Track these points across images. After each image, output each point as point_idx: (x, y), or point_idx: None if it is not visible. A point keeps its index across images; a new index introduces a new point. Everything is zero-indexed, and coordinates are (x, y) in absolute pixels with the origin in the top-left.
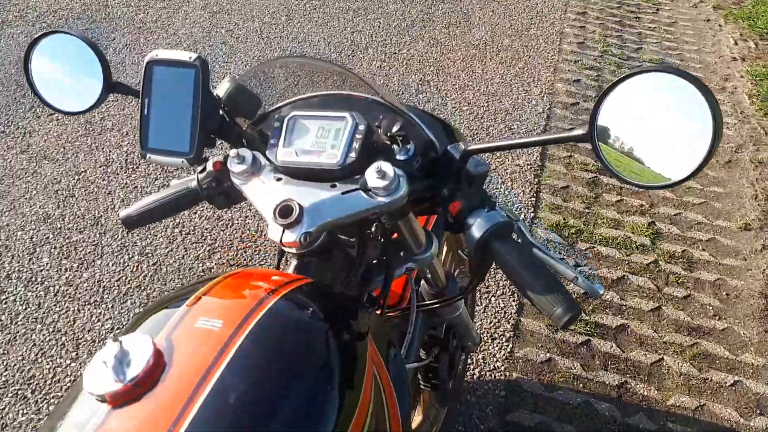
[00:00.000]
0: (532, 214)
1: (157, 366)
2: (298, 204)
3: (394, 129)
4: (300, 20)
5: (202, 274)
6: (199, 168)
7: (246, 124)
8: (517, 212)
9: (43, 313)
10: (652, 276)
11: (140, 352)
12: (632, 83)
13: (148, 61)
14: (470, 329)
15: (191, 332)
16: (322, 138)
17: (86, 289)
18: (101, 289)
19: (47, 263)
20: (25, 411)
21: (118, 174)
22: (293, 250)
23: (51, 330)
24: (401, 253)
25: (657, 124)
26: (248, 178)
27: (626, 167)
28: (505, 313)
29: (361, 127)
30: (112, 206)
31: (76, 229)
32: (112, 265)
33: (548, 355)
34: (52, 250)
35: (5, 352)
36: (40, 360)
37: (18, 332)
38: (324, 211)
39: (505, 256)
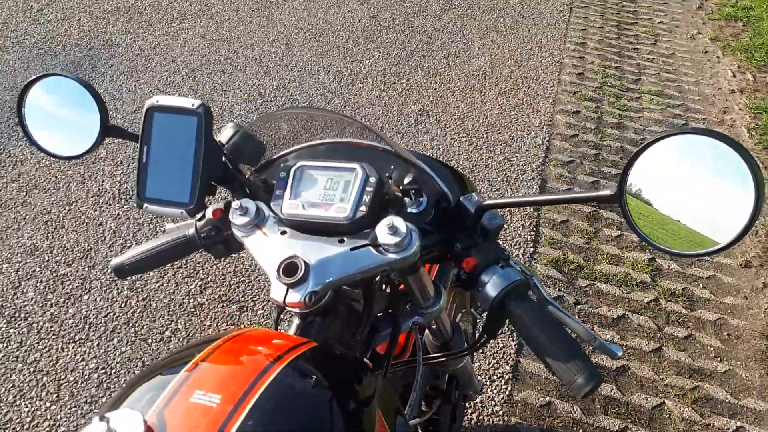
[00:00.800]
0: (532, 249)
1: None
2: (304, 261)
3: (406, 181)
4: (300, 49)
5: (192, 310)
6: (198, 215)
7: (249, 172)
8: (530, 269)
9: (25, 351)
10: (652, 315)
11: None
12: (665, 144)
13: (148, 107)
14: (473, 377)
15: (187, 408)
16: (330, 190)
17: (71, 326)
18: (87, 326)
19: (32, 298)
20: None
21: (110, 204)
22: (296, 310)
23: (32, 370)
24: (408, 306)
25: (694, 187)
26: (251, 231)
27: (657, 232)
28: (503, 353)
29: (372, 180)
30: (103, 238)
31: (64, 262)
32: (100, 300)
33: (548, 398)
34: (38, 284)
35: None
36: (18, 402)
37: None
38: (331, 269)
39: (521, 317)
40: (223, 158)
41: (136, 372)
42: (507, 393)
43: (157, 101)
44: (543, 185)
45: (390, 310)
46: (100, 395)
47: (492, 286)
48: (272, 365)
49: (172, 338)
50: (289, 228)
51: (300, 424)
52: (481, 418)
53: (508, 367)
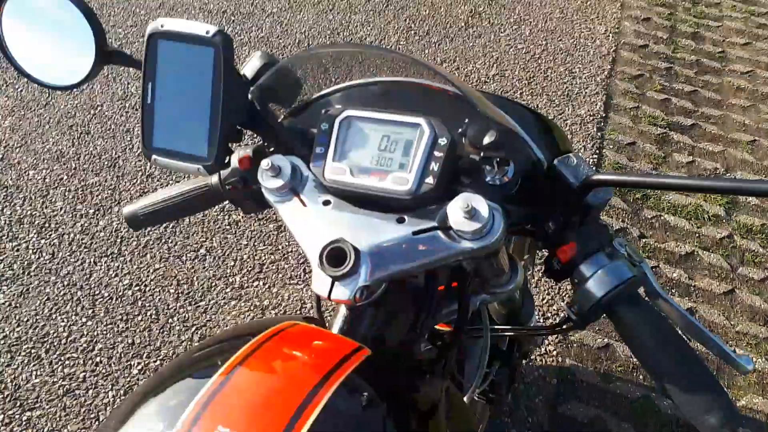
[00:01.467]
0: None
1: None
2: (353, 248)
3: (486, 140)
4: None
5: (227, 228)
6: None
7: (282, 114)
8: (638, 252)
9: (57, 264)
10: (725, 253)
11: None
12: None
13: (150, 33)
14: (532, 316)
15: None
16: (387, 152)
17: (103, 239)
18: (119, 240)
19: (61, 207)
20: (39, 372)
21: (137, 110)
22: (347, 305)
23: (65, 283)
24: (476, 279)
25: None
26: (285, 197)
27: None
28: (558, 288)
29: (443, 141)
30: (131, 146)
31: (92, 171)
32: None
33: (606, 340)
34: (67, 193)
35: (18, 305)
36: (54, 316)
37: (31, 284)
38: (388, 258)
39: (633, 327)
40: (249, 96)
41: (143, 381)
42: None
43: (162, 26)
44: (608, 101)
45: (453, 284)
46: (135, 313)
47: (596, 283)
48: (318, 389)
49: (207, 256)
50: (333, 196)
51: None
52: (533, 357)
53: (562, 304)
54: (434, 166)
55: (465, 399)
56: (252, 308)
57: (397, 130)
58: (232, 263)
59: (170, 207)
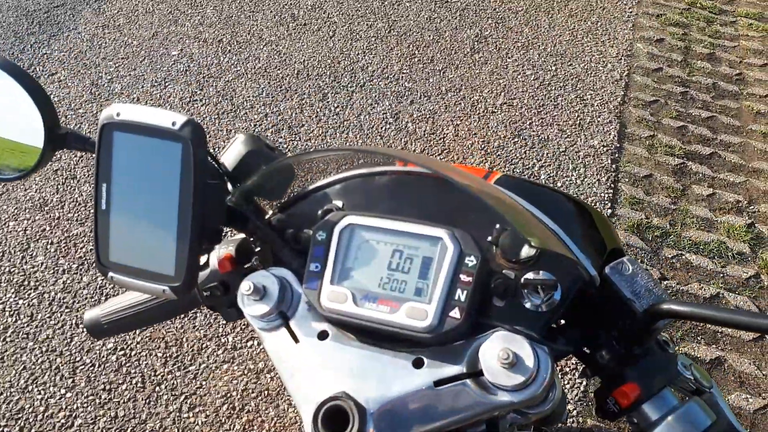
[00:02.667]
0: (610, 210)
1: None
2: (356, 407)
3: (525, 254)
4: None
5: None
6: (201, 261)
7: (270, 210)
8: (706, 375)
9: (36, 327)
10: (752, 294)
11: None
12: None
13: (103, 123)
14: (563, 417)
15: None
16: (399, 272)
17: (86, 297)
18: (104, 297)
19: (42, 262)
20: None
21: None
22: None
23: (44, 350)
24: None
25: None
26: (273, 322)
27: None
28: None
29: (471, 261)
30: None
31: (77, 221)
32: None
33: None
34: (48, 246)
35: None
36: (30, 388)
37: (6, 351)
38: (401, 419)
39: None
40: (230, 195)
41: None
42: (582, 389)
43: (118, 114)
44: (621, 130)
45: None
46: (120, 381)
47: None
48: None
49: (198, 314)
50: (332, 326)
51: None
52: None
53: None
54: (461, 295)
55: None
56: (246, 372)
57: (413, 244)
58: (224, 322)
59: (137, 315)
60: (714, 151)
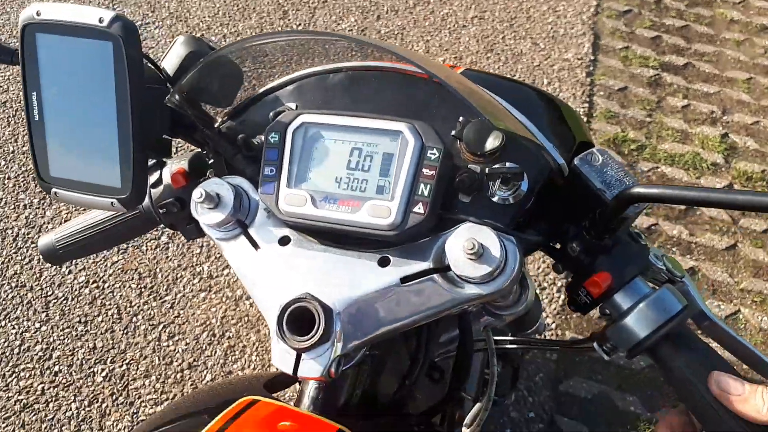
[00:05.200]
0: (586, 124)
1: None
2: (322, 307)
3: (490, 146)
4: None
5: None
6: (152, 179)
7: (219, 117)
8: (676, 262)
9: (2, 264)
10: None
11: None
12: None
13: (24, 23)
14: (539, 320)
15: None
16: (359, 171)
17: None
18: None
19: (0, 197)
20: None
21: None
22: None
23: (13, 285)
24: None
25: None
26: (231, 231)
27: None
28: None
29: (433, 153)
30: None
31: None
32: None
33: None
34: (6, 182)
35: None
36: (3, 323)
37: None
38: (370, 316)
39: (683, 373)
40: (174, 98)
41: None
42: (560, 303)
43: (38, 13)
44: (596, 42)
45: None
46: (95, 313)
47: (637, 321)
48: None
49: (169, 244)
50: (292, 231)
51: None
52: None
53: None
54: (424, 189)
55: (467, 421)
56: (224, 299)
57: (372, 140)
58: (198, 250)
59: (94, 237)
60: (688, 61)
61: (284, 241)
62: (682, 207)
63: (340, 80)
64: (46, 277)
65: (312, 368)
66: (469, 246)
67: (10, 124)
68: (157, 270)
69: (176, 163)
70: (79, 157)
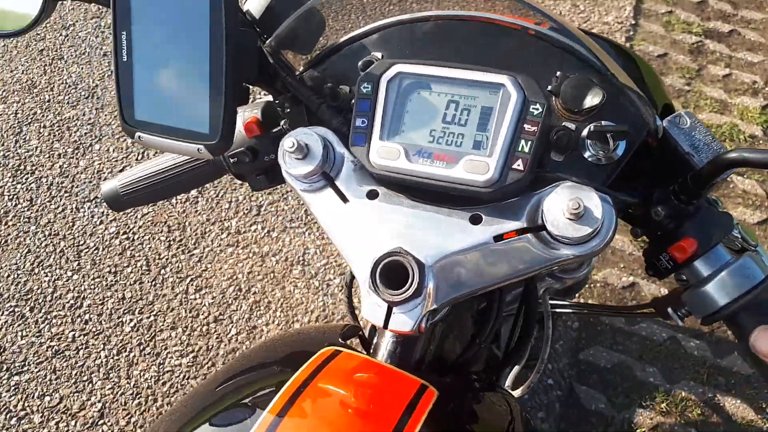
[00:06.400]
0: None
1: None
2: (415, 261)
3: (589, 103)
4: None
5: None
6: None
7: (301, 65)
8: (752, 232)
9: (36, 211)
10: (761, 178)
11: None
12: None
13: None
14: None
15: None
16: (456, 125)
17: (84, 182)
18: (102, 182)
19: (36, 146)
20: (24, 333)
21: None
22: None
23: (47, 233)
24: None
25: None
26: (316, 185)
27: None
28: None
29: (536, 109)
30: (108, 72)
31: (68, 103)
32: (113, 150)
33: (631, 278)
34: (42, 130)
35: None
36: (37, 270)
37: (9, 235)
38: (461, 272)
39: (763, 344)
40: (260, 44)
41: (175, 405)
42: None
43: None
44: (638, 6)
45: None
46: (125, 264)
47: (719, 289)
48: None
49: (199, 199)
50: (381, 186)
51: None
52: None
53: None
54: (524, 146)
55: (521, 389)
56: (251, 255)
57: (470, 93)
58: (227, 206)
59: (159, 184)
60: (734, 28)
61: (372, 195)
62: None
63: (428, 29)
64: (79, 226)
65: (404, 322)
66: (574, 206)
67: (46, 72)
68: (186, 223)
69: (249, 112)
70: (167, 100)
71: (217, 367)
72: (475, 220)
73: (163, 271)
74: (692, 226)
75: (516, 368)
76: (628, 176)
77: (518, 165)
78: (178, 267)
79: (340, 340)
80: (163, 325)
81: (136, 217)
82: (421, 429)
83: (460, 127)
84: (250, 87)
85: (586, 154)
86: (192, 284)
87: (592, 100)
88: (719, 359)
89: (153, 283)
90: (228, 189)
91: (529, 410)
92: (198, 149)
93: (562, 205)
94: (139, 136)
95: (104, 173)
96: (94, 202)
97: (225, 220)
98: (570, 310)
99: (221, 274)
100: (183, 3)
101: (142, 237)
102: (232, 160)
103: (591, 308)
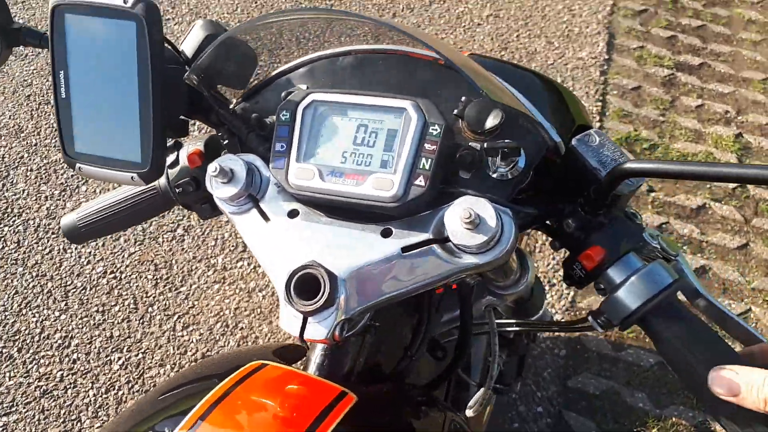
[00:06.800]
0: (598, 124)
1: None
2: (327, 273)
3: (490, 124)
4: None
5: None
6: (170, 159)
7: (234, 99)
8: (671, 241)
9: (24, 253)
10: (738, 204)
11: None
12: None
13: (54, 4)
14: (543, 314)
15: None
16: (365, 147)
17: None
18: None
19: (23, 189)
20: (12, 373)
21: None
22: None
23: (34, 275)
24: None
25: None
26: (243, 206)
27: None
28: (564, 252)
29: (435, 130)
30: None
31: (55, 147)
32: (101, 191)
33: None
34: (28, 173)
35: None
36: (24, 311)
37: None
38: (372, 283)
39: (673, 343)
40: (192, 76)
41: (115, 417)
42: (569, 299)
43: None
44: (610, 41)
45: (453, 286)
46: (112, 303)
47: (629, 294)
48: None
49: (185, 237)
50: (301, 205)
51: None
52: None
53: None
54: (425, 163)
55: (470, 403)
56: (237, 291)
57: (377, 117)
58: (213, 243)
59: (114, 216)
60: (704, 61)
61: (293, 214)
62: (693, 205)
63: (348, 62)
64: (66, 267)
65: (317, 331)
66: (465, 215)
67: (33, 117)
68: (173, 261)
69: (192, 145)
70: (102, 133)
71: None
72: (386, 234)
73: (150, 309)
74: (600, 236)
75: (481, 391)
76: (540, 192)
77: (420, 181)
78: (165, 304)
79: (272, 355)
80: (151, 362)
81: (123, 256)
82: (335, 429)
83: (368, 148)
84: (190, 121)
85: (491, 172)
86: (179, 321)
87: (492, 120)
88: None
89: (141, 320)
90: (214, 227)
91: None
92: (132, 177)
93: (459, 215)
94: (80, 168)
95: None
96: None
97: (211, 257)
98: (516, 328)
99: (208, 311)
100: (114, 42)
101: (129, 276)
102: (177, 190)
103: (533, 325)
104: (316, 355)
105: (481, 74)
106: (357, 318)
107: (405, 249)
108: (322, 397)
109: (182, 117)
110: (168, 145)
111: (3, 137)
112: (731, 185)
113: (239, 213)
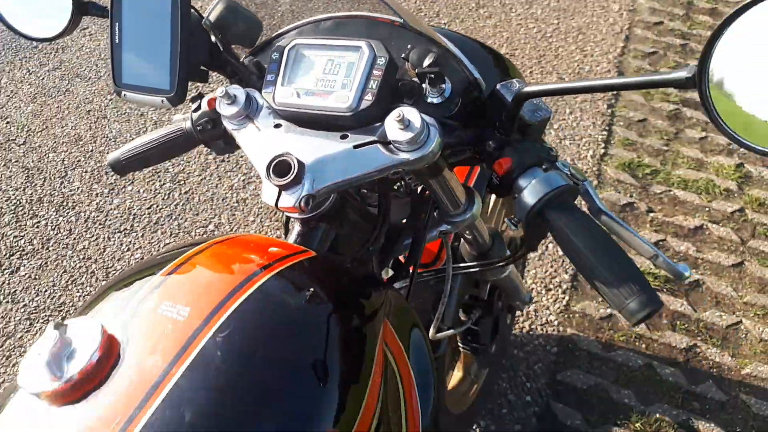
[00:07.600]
0: (603, 150)
1: (107, 360)
2: (297, 160)
3: (426, 63)
4: None
5: (235, 205)
6: (194, 106)
7: (244, 54)
8: (582, 173)
9: (74, 239)
10: (736, 226)
11: (86, 342)
12: (760, 12)
13: None
14: (519, 289)
15: (153, 320)
16: (330, 74)
17: (116, 216)
18: (131, 217)
19: (78, 187)
20: None
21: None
22: (295, 215)
23: (81, 257)
24: (435, 213)
25: None
26: (242, 124)
27: (746, 125)
28: (563, 261)
29: (381, 61)
30: (145, 129)
31: (108, 153)
32: (143, 191)
33: (609, 311)
34: (83, 174)
35: (36, 277)
36: (70, 287)
37: (49, 258)
38: (330, 170)
39: (564, 230)
40: (213, 38)
41: (109, 278)
42: (564, 303)
43: None
44: (618, 73)
45: (412, 218)
46: None
47: (530, 192)
48: (256, 275)
49: (215, 232)
50: (284, 120)
51: (279, 341)
52: (533, 327)
53: (566, 276)
54: (373, 84)
55: (431, 331)
56: None
57: (341, 54)
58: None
59: (150, 151)
60: None
61: (278, 126)
62: (692, 225)
63: (328, 25)
64: (109, 252)
65: (288, 200)
66: (397, 116)
67: (91, 128)
68: None
69: (211, 94)
70: (142, 68)
71: None
72: (344, 138)
73: None
74: (510, 150)
75: (450, 331)
76: (473, 123)
77: (368, 97)
78: None
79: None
80: None
81: (159, 246)
82: (287, 268)
83: (334, 75)
84: (210, 72)
85: (427, 98)
86: None
87: (428, 59)
88: (694, 386)
89: None
90: (241, 225)
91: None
92: (162, 101)
93: (394, 117)
94: (125, 94)
95: (134, 210)
96: (123, 233)
97: None
98: (472, 270)
99: None
100: (155, 7)
101: None
102: (198, 128)
103: (485, 264)
104: (292, 234)
105: (429, 32)
106: (319, 196)
107: (356, 147)
108: (285, 250)
109: (203, 68)
110: (193, 95)
111: (65, 144)
112: (729, 209)
113: (239, 128)
